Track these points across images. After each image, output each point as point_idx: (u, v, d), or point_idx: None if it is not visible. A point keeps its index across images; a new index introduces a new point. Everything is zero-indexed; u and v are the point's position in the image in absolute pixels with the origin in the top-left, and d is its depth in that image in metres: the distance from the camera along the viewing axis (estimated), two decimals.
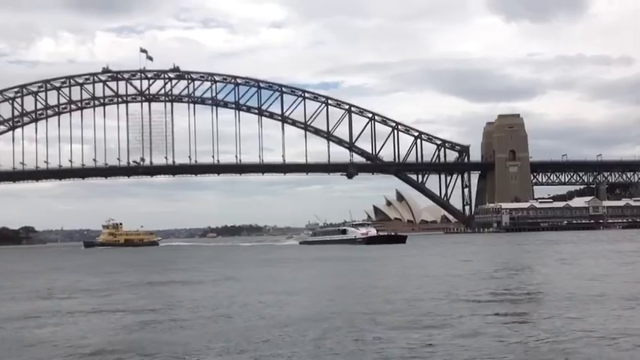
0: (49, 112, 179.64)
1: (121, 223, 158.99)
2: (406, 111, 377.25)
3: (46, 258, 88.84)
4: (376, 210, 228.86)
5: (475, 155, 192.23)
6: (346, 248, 79.45)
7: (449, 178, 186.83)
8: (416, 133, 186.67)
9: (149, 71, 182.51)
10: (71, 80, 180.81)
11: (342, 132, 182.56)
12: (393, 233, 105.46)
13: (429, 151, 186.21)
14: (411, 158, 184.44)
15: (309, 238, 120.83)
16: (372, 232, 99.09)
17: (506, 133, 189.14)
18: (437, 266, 40.06)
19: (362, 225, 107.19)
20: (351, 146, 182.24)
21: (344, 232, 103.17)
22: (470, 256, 50.39)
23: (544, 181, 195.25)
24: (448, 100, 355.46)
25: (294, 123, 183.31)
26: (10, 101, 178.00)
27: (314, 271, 40.27)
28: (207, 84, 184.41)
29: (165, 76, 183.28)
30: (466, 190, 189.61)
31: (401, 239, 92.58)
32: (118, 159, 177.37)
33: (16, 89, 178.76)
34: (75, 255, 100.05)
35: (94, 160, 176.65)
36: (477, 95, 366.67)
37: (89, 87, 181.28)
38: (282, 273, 39.10)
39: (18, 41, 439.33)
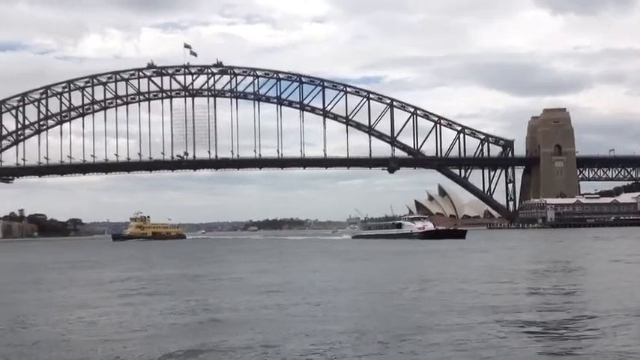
0: (96, 106, 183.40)
1: (148, 216, 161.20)
2: (448, 105, 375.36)
3: (92, 249, 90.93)
4: (418, 205, 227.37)
5: (519, 150, 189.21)
6: (404, 243, 76.20)
7: (492, 173, 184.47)
8: (459, 128, 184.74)
9: (193, 66, 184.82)
10: (117, 76, 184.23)
11: (383, 126, 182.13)
12: (451, 228, 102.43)
13: (471, 145, 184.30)
14: (454, 153, 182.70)
15: (363, 232, 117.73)
16: (429, 226, 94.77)
17: (552, 127, 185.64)
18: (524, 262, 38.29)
19: (417, 219, 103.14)
20: (392, 141, 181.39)
21: (399, 226, 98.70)
22: (551, 254, 47.92)
23: (591, 176, 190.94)
24: (491, 95, 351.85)
25: (335, 117, 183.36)
26: (59, 96, 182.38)
27: (400, 264, 39.78)
28: (250, 79, 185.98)
29: (209, 71, 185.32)
30: (510, 186, 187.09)
31: (460, 234, 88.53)
32: (162, 153, 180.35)
33: (63, 85, 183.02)
34: (111, 246, 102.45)
35: (139, 154, 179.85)
36: (522, 89, 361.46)
37: (134, 82, 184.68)
38: (374, 267, 38.01)
39: (66, 38, 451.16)
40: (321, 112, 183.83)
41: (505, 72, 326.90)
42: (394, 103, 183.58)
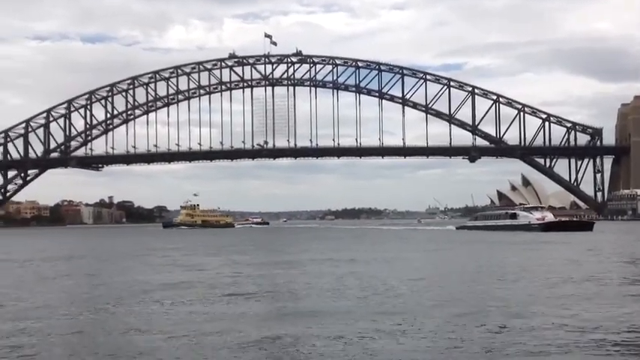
0: (180, 96, 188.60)
1: (197, 205, 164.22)
2: (533, 93, 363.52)
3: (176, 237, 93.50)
4: (500, 195, 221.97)
5: (608, 139, 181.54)
6: (526, 235, 69.97)
7: (579, 162, 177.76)
8: (543, 116, 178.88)
9: (273, 56, 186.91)
10: (200, 66, 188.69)
11: (464, 114, 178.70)
12: (575, 218, 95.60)
13: (557, 134, 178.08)
14: (538, 142, 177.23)
15: (469, 222, 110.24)
16: (549, 216, 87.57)
17: None
18: None
19: (535, 208, 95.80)
20: (473, 129, 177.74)
21: (514, 216, 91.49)
22: None
23: None
24: (578, 81, 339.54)
25: (414, 106, 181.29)
26: (145, 87, 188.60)
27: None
28: (329, 67, 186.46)
29: (288, 60, 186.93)
30: (598, 176, 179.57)
31: (587, 225, 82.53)
32: (243, 142, 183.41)
33: (149, 75, 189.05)
34: (177, 234, 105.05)
35: (221, 143, 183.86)
36: (610, 75, 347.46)
37: (217, 72, 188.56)
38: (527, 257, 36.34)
39: (151, 29, 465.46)
40: (400, 101, 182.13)
41: (593, 57, 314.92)
42: (476, 90, 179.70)
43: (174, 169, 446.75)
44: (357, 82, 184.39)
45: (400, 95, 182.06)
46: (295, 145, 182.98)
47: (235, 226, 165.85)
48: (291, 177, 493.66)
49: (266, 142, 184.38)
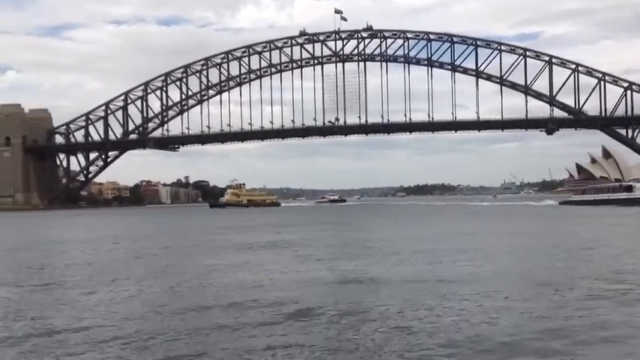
0: (252, 75, 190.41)
1: (243, 184, 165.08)
2: (614, 60, 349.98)
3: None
4: (579, 168, 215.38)
5: None
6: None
7: None
8: (625, 84, 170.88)
9: (343, 32, 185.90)
10: (271, 45, 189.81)
11: (541, 85, 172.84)
12: None
13: None
14: (620, 112, 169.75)
15: (575, 197, 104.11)
16: None
17: None
18: None
19: None
20: (551, 100, 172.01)
21: (629, 189, 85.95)
22: None
23: None
24: None
25: (489, 78, 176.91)
26: (218, 67, 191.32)
27: None
28: (400, 42, 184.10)
29: (359, 35, 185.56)
30: None
31: None
32: (314, 119, 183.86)
33: (222, 55, 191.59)
34: (240, 213, 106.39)
35: (292, 121, 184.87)
36: None
37: (287, 50, 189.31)
38: None
39: (224, 9, 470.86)
40: (473, 73, 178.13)
41: None
42: (553, 60, 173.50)
43: (248, 148, 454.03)
44: (429, 55, 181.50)
45: (474, 67, 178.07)
46: (366, 121, 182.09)
47: (281, 205, 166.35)
48: (362, 153, 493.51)
49: (337, 119, 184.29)
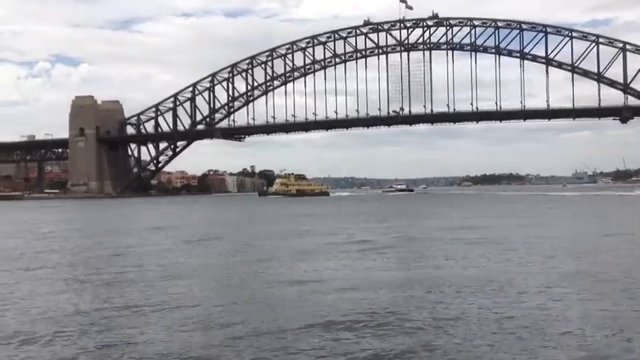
0: (317, 66, 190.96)
1: (292, 174, 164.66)
2: None
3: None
4: None
5: None
6: None
7: None
8: None
9: (408, 20, 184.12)
10: (336, 35, 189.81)
11: (614, 73, 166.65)
12: None
13: None
14: None
15: None
16: None
17: None
18: None
19: None
20: (625, 88, 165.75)
21: None
22: None
23: None
24: None
25: (559, 65, 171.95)
26: (283, 58, 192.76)
27: None
28: (466, 29, 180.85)
29: (424, 24, 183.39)
30: None
31: None
32: (379, 109, 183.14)
33: (287, 46, 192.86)
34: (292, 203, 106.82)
35: (357, 110, 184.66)
36: None
37: (352, 40, 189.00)
38: None
39: (289, 0, 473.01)
40: (543, 61, 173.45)
41: None
42: (627, 46, 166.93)
43: (312, 138, 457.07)
44: (497, 42, 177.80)
45: (543, 55, 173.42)
46: (432, 110, 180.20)
47: (330, 195, 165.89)
48: (427, 143, 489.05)
49: (402, 109, 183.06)
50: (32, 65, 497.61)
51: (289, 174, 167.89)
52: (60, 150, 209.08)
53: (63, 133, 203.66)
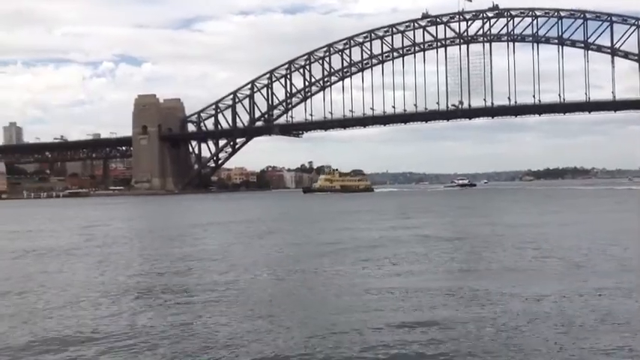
0: (374, 60, 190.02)
1: (336, 169, 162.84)
2: None
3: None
4: None
5: None
6: None
7: None
8: None
9: (467, 12, 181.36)
10: (393, 29, 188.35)
11: None
12: None
13: None
14: None
15: None
16: None
17: None
18: None
19: None
20: None
21: None
22: None
23: None
24: None
25: (626, 55, 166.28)
26: (340, 53, 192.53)
27: None
28: (528, 20, 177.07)
29: (484, 15, 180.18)
30: None
31: None
32: (438, 103, 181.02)
33: (344, 41, 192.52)
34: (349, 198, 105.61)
35: (415, 105, 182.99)
36: None
37: (410, 34, 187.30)
38: None
39: None
40: (608, 51, 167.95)
41: None
42: None
43: (370, 133, 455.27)
44: (560, 33, 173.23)
45: (609, 45, 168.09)
46: (492, 103, 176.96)
47: (375, 191, 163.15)
48: (487, 137, 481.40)
49: (461, 102, 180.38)
50: (97, 65, 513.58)
51: (333, 170, 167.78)
52: (124, 148, 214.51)
53: (126, 131, 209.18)
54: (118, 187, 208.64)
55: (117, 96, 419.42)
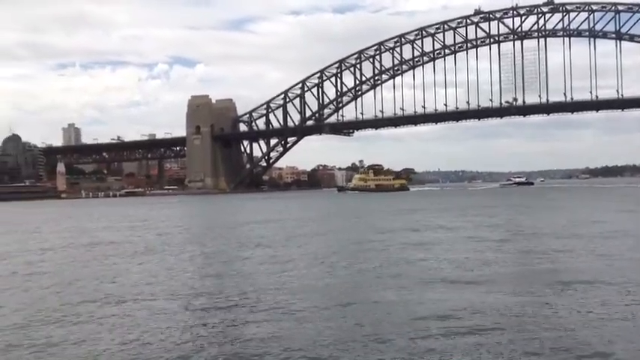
0: (425, 58, 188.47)
1: (370, 168, 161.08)
2: None
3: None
4: None
5: None
6: None
7: None
8: None
9: (521, 7, 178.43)
10: (445, 25, 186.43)
11: None
12: None
13: None
14: None
15: None
16: None
17: None
18: None
19: None
20: None
21: None
22: None
23: None
24: None
25: None
26: (391, 51, 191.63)
27: None
28: (584, 15, 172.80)
29: (539, 10, 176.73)
30: None
31: None
32: (491, 100, 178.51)
33: (395, 39, 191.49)
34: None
35: (467, 102, 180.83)
36: None
37: (462, 30, 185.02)
38: None
39: None
40: None
41: None
42: None
43: (421, 131, 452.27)
44: (618, 27, 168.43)
45: None
46: (547, 100, 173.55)
47: (410, 190, 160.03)
48: (541, 134, 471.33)
49: (515, 99, 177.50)
50: (152, 67, 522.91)
51: (367, 169, 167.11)
52: (178, 148, 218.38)
53: (180, 131, 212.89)
54: (172, 187, 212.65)
55: (171, 97, 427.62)
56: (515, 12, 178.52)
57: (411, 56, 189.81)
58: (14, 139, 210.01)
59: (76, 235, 38.54)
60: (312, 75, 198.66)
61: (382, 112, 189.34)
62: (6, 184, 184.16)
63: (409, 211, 56.42)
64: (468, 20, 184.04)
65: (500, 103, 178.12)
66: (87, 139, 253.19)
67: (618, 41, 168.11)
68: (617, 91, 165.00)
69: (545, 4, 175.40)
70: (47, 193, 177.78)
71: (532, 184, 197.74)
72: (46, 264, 23.53)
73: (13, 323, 13.04)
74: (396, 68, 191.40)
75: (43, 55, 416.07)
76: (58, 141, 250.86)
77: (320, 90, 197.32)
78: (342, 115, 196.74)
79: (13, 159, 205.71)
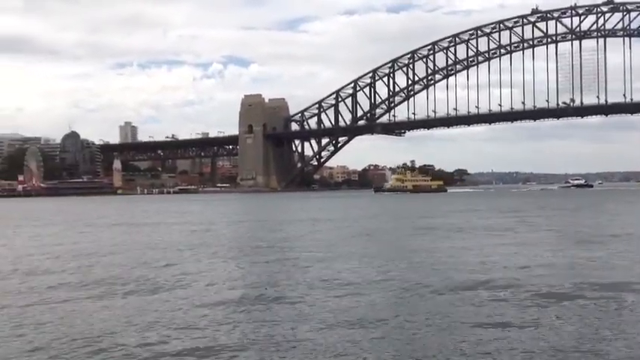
0: (480, 58, 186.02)
1: (408, 170, 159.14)
2: None
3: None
4: None
5: None
6: None
7: None
8: None
9: (580, 7, 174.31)
10: (501, 25, 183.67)
11: None
12: None
13: None
14: None
15: None
16: None
17: None
18: None
19: None
20: None
21: None
22: None
23: None
24: None
25: None
26: (445, 51, 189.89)
27: None
28: None
29: (598, 10, 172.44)
30: None
31: None
32: (547, 101, 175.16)
33: (449, 39, 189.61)
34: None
35: (522, 103, 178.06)
36: None
37: (518, 30, 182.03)
38: None
39: None
40: None
41: None
42: None
43: (474, 131, 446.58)
44: None
45: None
46: (606, 101, 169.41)
47: (447, 191, 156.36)
48: (599, 136, 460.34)
49: (572, 100, 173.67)
50: (207, 67, 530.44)
51: (405, 170, 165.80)
52: (230, 146, 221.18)
53: (233, 130, 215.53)
54: (224, 185, 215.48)
55: (225, 96, 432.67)
56: (573, 11, 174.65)
57: (465, 56, 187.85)
58: (73, 136, 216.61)
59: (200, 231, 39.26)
60: (365, 75, 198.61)
61: (434, 112, 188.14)
62: (65, 180, 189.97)
63: (445, 213, 55.43)
64: (524, 20, 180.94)
65: (557, 104, 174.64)
66: (143, 136, 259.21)
67: None
68: None
69: (604, 4, 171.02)
70: (104, 189, 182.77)
71: (591, 186, 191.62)
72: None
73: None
74: (449, 68, 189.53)
75: (103, 55, 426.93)
76: (115, 138, 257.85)
77: (372, 90, 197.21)
78: (394, 115, 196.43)
79: (71, 155, 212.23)
